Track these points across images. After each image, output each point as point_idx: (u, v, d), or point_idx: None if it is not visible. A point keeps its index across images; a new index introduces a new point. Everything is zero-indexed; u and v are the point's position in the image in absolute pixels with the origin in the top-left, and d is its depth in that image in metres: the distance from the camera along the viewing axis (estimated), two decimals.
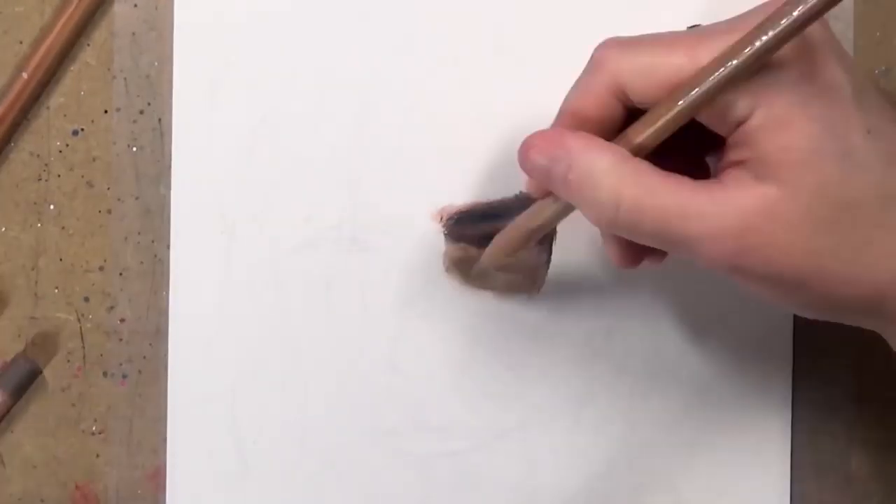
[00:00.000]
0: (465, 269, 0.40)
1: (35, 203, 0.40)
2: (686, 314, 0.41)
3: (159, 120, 0.40)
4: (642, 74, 0.32)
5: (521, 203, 0.40)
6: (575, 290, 0.40)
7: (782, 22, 0.30)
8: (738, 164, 0.32)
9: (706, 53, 0.32)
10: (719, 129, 0.32)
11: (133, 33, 0.40)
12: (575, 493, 0.40)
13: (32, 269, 0.40)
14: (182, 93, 0.40)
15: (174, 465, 0.40)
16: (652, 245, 0.33)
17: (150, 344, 0.40)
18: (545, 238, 0.39)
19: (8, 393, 0.39)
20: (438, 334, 0.40)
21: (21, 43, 0.40)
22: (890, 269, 0.32)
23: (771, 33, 0.30)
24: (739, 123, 0.32)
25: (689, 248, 0.32)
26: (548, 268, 0.40)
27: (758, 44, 0.30)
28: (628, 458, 0.40)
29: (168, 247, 0.40)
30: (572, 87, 0.35)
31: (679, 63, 0.32)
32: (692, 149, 0.35)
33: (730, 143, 0.32)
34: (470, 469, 0.40)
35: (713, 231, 0.32)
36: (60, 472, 0.41)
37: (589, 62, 0.34)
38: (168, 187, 0.40)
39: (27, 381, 0.40)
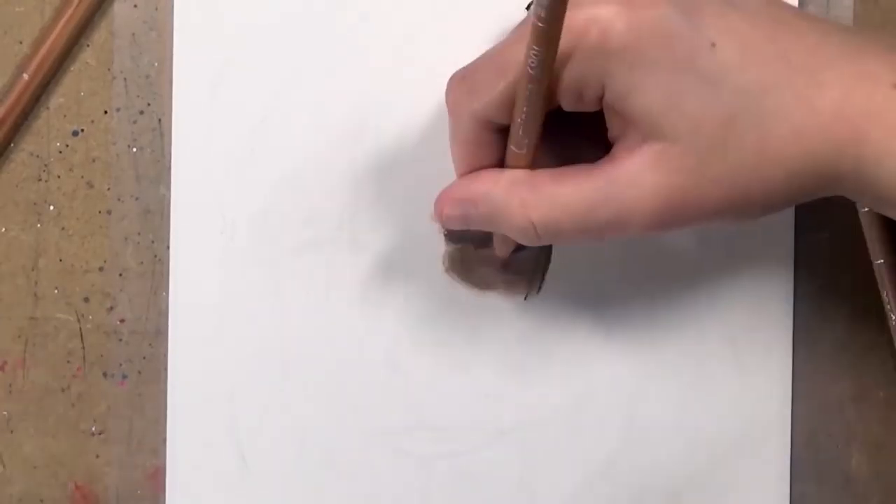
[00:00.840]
0: (465, 269, 0.40)
1: (35, 203, 0.40)
2: (685, 314, 0.41)
3: (159, 120, 0.40)
4: (492, 99, 0.33)
5: None
6: (574, 290, 0.40)
7: None
8: (622, 135, 0.33)
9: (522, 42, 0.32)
10: (587, 109, 0.33)
11: (133, 33, 0.40)
12: (575, 494, 0.40)
13: (32, 269, 0.40)
14: (182, 93, 0.40)
15: (174, 465, 0.40)
16: (587, 243, 0.35)
17: (150, 344, 0.40)
18: None
19: None
20: (438, 334, 0.40)
21: (21, 43, 0.40)
22: (803, 148, 0.32)
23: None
24: (599, 99, 0.33)
25: (615, 231, 0.33)
26: (547, 268, 0.40)
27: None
28: (628, 458, 0.40)
29: (168, 247, 0.40)
30: (450, 141, 0.36)
31: (516, 63, 0.32)
32: (592, 135, 0.35)
33: (606, 118, 0.33)
34: (470, 469, 0.40)
35: (626, 206, 0.33)
36: (60, 472, 0.41)
37: (448, 112, 0.35)
38: (168, 187, 0.40)
39: None
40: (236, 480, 0.40)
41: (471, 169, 0.36)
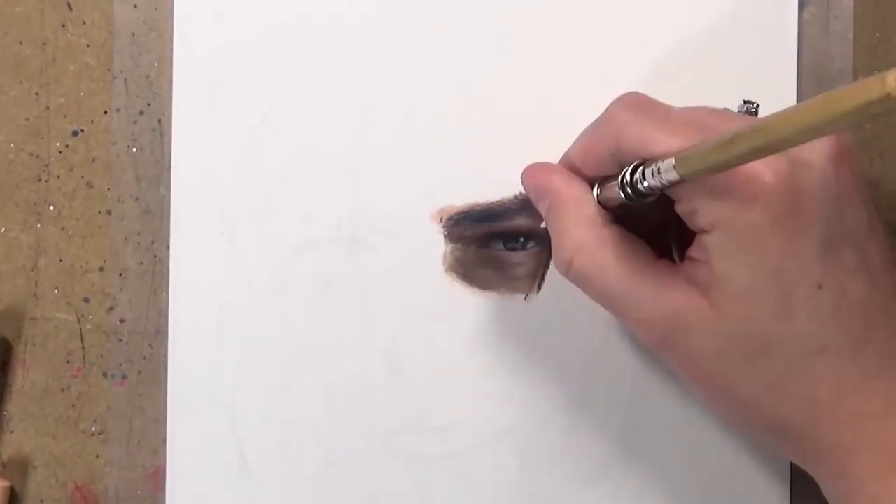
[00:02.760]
0: (465, 269, 0.40)
1: (35, 203, 0.40)
2: None
3: (159, 120, 0.40)
4: (639, 148, 0.33)
5: (520, 203, 0.40)
6: (574, 290, 0.40)
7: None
8: (693, 260, 0.33)
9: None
10: (687, 224, 0.33)
11: (133, 33, 0.40)
12: (574, 494, 0.40)
13: (32, 269, 0.40)
14: (182, 93, 0.40)
15: (174, 465, 0.40)
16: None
17: (150, 344, 0.40)
18: (545, 239, 0.39)
19: None
20: (438, 334, 0.40)
21: (21, 43, 0.40)
22: (798, 416, 0.33)
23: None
24: (701, 230, 0.32)
25: (621, 319, 0.35)
26: (547, 268, 0.40)
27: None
28: (628, 458, 0.40)
29: (168, 247, 0.40)
30: (582, 133, 0.36)
31: (675, 149, 0.32)
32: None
33: (695, 238, 0.33)
34: (470, 469, 0.40)
35: (643, 318, 0.33)
36: (60, 472, 0.41)
37: (602, 114, 0.35)
38: (168, 187, 0.40)
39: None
40: (236, 480, 0.40)
41: (582, 156, 0.35)
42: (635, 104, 0.34)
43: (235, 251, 0.40)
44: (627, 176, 0.33)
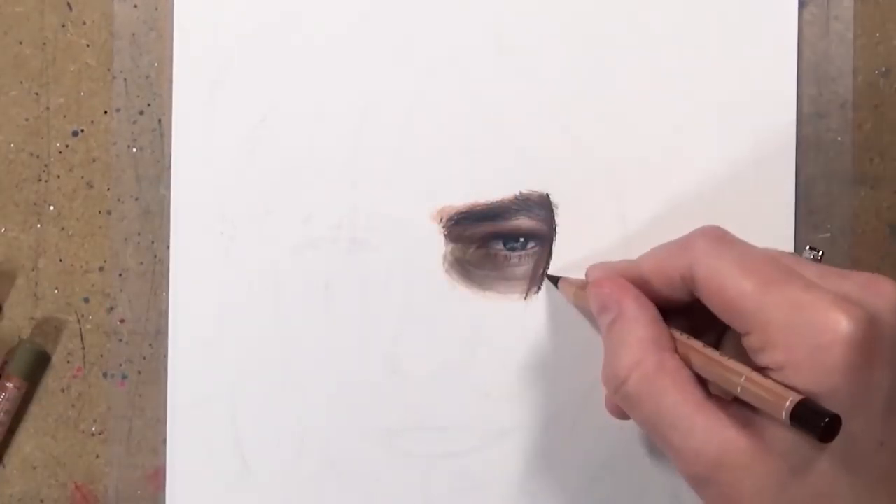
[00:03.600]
0: (465, 269, 0.40)
1: (35, 203, 0.40)
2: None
3: (159, 120, 0.40)
4: (711, 280, 0.32)
5: (520, 203, 0.40)
6: None
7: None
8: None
9: (777, 296, 0.31)
10: (750, 357, 0.32)
11: (133, 34, 0.40)
12: (575, 494, 0.40)
13: (32, 269, 0.40)
14: (182, 93, 0.40)
15: (174, 465, 0.40)
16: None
17: (150, 344, 0.40)
18: (545, 239, 0.39)
19: (21, 377, 0.39)
20: (438, 334, 0.40)
21: (21, 43, 0.40)
22: None
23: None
24: (766, 367, 0.32)
25: (665, 448, 0.33)
26: (547, 268, 0.40)
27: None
28: (628, 459, 0.40)
29: (168, 247, 0.40)
30: (657, 248, 0.35)
31: (747, 291, 0.31)
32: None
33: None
34: (470, 469, 0.40)
35: (692, 449, 0.32)
36: (60, 473, 0.41)
37: (681, 238, 0.35)
38: (168, 187, 0.40)
39: (37, 365, 0.40)
40: (236, 480, 0.40)
41: (653, 272, 0.35)
42: (716, 237, 0.34)
43: (235, 251, 0.40)
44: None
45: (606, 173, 0.40)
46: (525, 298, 0.40)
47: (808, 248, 0.36)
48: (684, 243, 0.34)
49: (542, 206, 0.40)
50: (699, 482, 0.33)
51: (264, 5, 0.40)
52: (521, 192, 0.40)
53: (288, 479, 0.40)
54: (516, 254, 0.40)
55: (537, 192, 0.40)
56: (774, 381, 0.31)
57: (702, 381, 0.33)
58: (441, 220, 0.40)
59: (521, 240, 0.40)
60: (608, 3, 0.40)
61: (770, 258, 0.33)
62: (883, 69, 0.41)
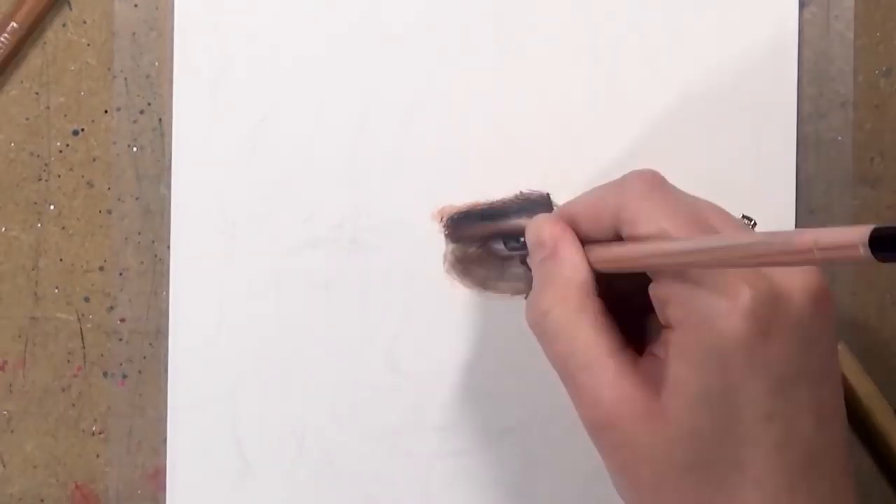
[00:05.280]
0: (465, 269, 0.40)
1: (35, 203, 0.40)
2: None
3: (159, 120, 0.40)
4: (639, 224, 0.33)
5: (521, 203, 0.40)
6: None
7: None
8: (654, 356, 0.33)
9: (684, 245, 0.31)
10: (656, 311, 0.33)
11: (133, 33, 0.40)
12: (575, 494, 0.40)
13: (32, 269, 0.40)
14: (182, 93, 0.40)
15: (174, 465, 0.40)
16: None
17: (150, 344, 0.40)
18: None
19: None
20: (438, 334, 0.40)
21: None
22: None
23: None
24: (668, 324, 0.32)
25: (570, 389, 0.34)
26: None
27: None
28: None
29: (168, 247, 0.40)
30: (591, 190, 0.36)
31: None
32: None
33: (661, 335, 0.33)
34: (470, 469, 0.40)
35: (593, 396, 0.33)
36: (60, 472, 0.41)
37: (614, 181, 0.35)
38: (168, 187, 0.40)
39: None
40: (236, 480, 0.40)
41: (584, 213, 0.35)
42: (650, 181, 0.34)
43: (236, 251, 0.40)
44: None
45: (606, 173, 0.40)
46: (525, 298, 0.40)
47: (742, 215, 0.36)
48: (618, 183, 0.34)
49: (542, 206, 0.40)
50: (596, 428, 0.33)
51: (264, 5, 0.40)
52: (521, 192, 0.40)
53: (288, 479, 0.40)
54: (516, 254, 0.40)
55: (537, 191, 0.40)
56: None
57: (618, 333, 0.34)
58: (441, 220, 0.40)
59: (522, 240, 0.40)
60: (608, 3, 0.40)
61: (696, 214, 0.33)
62: (883, 69, 0.41)
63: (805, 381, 0.31)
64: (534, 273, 0.36)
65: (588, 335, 0.33)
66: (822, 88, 0.41)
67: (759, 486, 0.31)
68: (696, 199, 0.34)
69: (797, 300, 0.31)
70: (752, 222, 0.36)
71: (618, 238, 0.34)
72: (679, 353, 0.31)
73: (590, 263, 0.34)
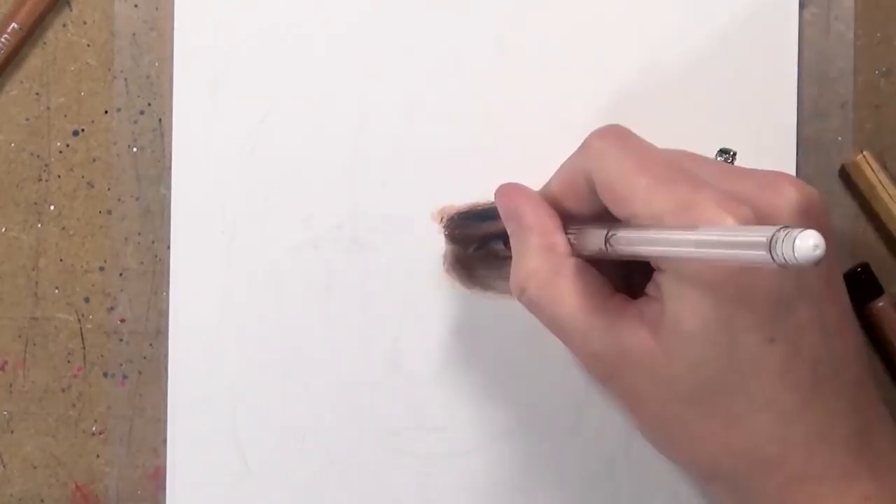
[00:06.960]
0: (465, 269, 0.40)
1: (35, 203, 0.40)
2: None
3: (159, 120, 0.40)
4: (613, 182, 0.32)
5: None
6: None
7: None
8: (648, 297, 0.33)
9: (664, 194, 0.31)
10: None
11: (133, 33, 0.40)
12: (575, 494, 0.40)
13: (32, 269, 0.40)
14: (182, 93, 0.40)
15: (174, 465, 0.40)
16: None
17: (150, 344, 0.40)
18: None
19: None
20: (438, 334, 0.40)
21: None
22: (739, 468, 0.32)
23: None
24: (658, 266, 0.32)
25: (571, 351, 0.34)
26: None
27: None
28: (628, 459, 0.40)
29: (168, 247, 0.40)
30: (561, 167, 0.36)
31: (639, 188, 0.31)
32: None
33: (653, 275, 0.33)
34: (470, 469, 0.40)
35: (591, 352, 0.33)
36: (60, 472, 0.41)
37: (580, 146, 0.35)
38: (168, 187, 0.40)
39: None
40: (236, 480, 0.40)
41: (560, 189, 0.35)
42: (614, 135, 0.34)
43: (236, 251, 0.40)
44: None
45: None
46: None
47: (719, 149, 0.36)
48: (581, 147, 0.34)
49: None
50: (605, 382, 0.34)
51: (265, 5, 0.40)
52: None
53: (288, 479, 0.40)
54: None
55: None
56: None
57: (604, 281, 0.34)
58: (441, 220, 0.40)
59: None
60: (608, 3, 0.40)
61: (668, 159, 0.32)
62: (883, 69, 0.41)
63: (804, 300, 0.31)
64: (511, 246, 0.36)
65: (569, 299, 0.33)
66: (822, 88, 0.41)
67: (768, 408, 0.31)
68: (665, 150, 0.34)
69: (784, 217, 0.31)
70: (732, 154, 0.36)
71: (602, 207, 0.33)
72: (671, 291, 0.31)
73: (562, 223, 0.35)
